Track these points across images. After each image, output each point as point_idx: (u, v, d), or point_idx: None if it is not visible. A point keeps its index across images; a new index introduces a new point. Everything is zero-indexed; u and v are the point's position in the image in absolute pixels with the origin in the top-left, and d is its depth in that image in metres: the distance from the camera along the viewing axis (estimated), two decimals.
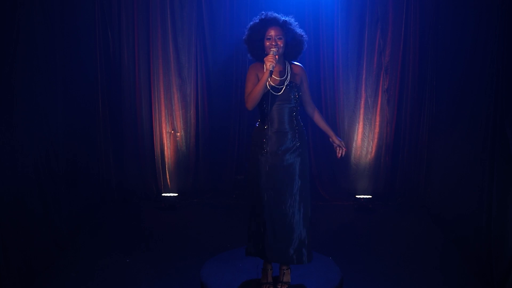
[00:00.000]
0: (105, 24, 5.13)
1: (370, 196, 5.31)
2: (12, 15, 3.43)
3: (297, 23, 3.30)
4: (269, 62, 3.09)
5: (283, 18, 3.24)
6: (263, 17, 3.25)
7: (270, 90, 3.20)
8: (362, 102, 5.24)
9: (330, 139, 3.52)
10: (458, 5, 4.50)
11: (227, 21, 5.14)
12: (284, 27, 3.21)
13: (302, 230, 3.32)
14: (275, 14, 3.25)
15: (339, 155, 3.51)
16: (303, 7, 5.10)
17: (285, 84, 3.25)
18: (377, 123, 5.25)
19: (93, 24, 5.08)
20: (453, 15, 4.66)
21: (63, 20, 4.28)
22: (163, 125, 5.29)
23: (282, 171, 3.28)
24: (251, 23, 3.28)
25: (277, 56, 3.15)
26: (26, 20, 3.61)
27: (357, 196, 5.31)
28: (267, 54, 3.21)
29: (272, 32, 3.19)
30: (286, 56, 3.32)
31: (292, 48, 3.28)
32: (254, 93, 3.16)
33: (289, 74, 3.29)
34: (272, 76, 3.21)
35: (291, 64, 3.35)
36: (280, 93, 3.23)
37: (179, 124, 5.30)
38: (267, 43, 3.20)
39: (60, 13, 4.23)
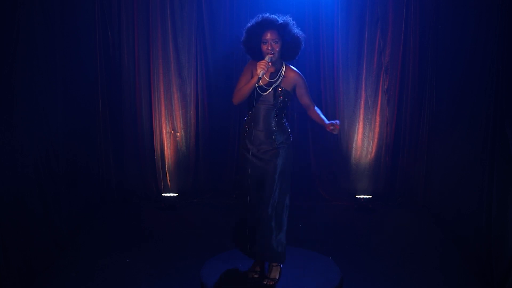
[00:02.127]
0: (105, 24, 5.13)
1: (370, 196, 5.31)
2: (12, 15, 3.43)
3: (294, 22, 3.28)
4: (260, 69, 3.14)
5: (280, 21, 3.21)
6: (259, 19, 3.23)
7: (257, 89, 3.26)
8: (362, 102, 5.24)
9: (326, 125, 3.29)
10: (458, 5, 4.50)
11: (227, 21, 5.14)
12: (280, 30, 3.20)
13: (277, 231, 3.39)
14: (272, 17, 3.23)
15: (336, 131, 3.25)
16: (303, 7, 5.10)
17: (272, 86, 3.29)
18: (377, 123, 5.25)
19: (93, 24, 5.08)
20: (453, 15, 4.66)
21: (63, 20, 4.28)
22: (163, 125, 5.29)
23: (261, 170, 3.33)
24: (249, 25, 3.28)
25: (270, 63, 3.19)
26: (26, 20, 3.61)
27: (357, 196, 5.31)
28: (261, 53, 3.24)
29: (268, 36, 3.19)
30: (284, 57, 3.31)
31: (289, 49, 3.28)
32: (241, 91, 3.26)
33: (280, 78, 3.31)
34: (265, 78, 3.27)
35: (287, 68, 3.35)
36: (265, 93, 3.28)
37: (179, 124, 5.30)
38: (264, 47, 3.21)
39: (60, 13, 4.23)
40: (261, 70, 3.13)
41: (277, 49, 3.20)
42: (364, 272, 3.84)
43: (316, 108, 3.45)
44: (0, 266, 3.21)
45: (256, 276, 3.51)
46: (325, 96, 5.27)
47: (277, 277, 3.49)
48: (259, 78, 3.18)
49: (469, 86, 4.20)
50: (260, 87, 3.27)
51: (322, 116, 3.39)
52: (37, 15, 3.82)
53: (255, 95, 3.27)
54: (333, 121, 3.30)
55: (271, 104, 3.30)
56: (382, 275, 3.80)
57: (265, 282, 3.45)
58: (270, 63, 3.19)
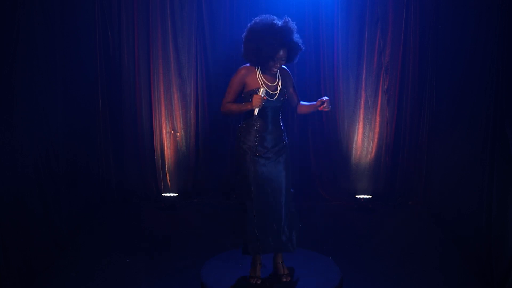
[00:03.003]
0: (105, 24, 5.13)
1: (370, 196, 5.30)
2: (12, 15, 3.43)
3: (298, 34, 3.25)
4: (256, 106, 3.15)
5: (295, 39, 3.16)
6: (279, 34, 3.10)
7: (267, 97, 3.25)
8: (362, 102, 5.24)
9: (316, 106, 3.35)
10: (458, 5, 4.49)
11: (227, 21, 5.13)
12: (291, 49, 3.20)
13: (290, 219, 3.46)
14: (292, 32, 3.15)
15: (327, 107, 3.31)
16: (303, 7, 5.10)
17: (278, 89, 3.32)
18: (377, 123, 5.25)
19: (93, 24, 5.08)
20: (453, 15, 4.66)
21: (63, 20, 4.28)
22: (163, 125, 5.29)
23: (273, 170, 3.35)
24: (263, 31, 3.11)
25: (265, 97, 3.19)
26: (26, 20, 3.61)
27: (357, 196, 5.31)
28: (265, 65, 3.23)
29: (281, 54, 3.16)
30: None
31: (288, 59, 3.28)
32: (231, 111, 3.34)
33: (279, 79, 3.35)
34: (267, 82, 3.28)
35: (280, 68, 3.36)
36: (275, 98, 3.30)
37: (179, 124, 5.30)
38: (272, 63, 3.20)
39: (60, 13, 4.23)
40: (257, 107, 3.16)
41: (282, 64, 3.26)
42: (364, 272, 3.84)
43: (301, 101, 3.56)
44: (0, 266, 3.20)
45: (259, 282, 3.47)
46: (325, 96, 5.26)
47: (288, 271, 3.55)
48: (253, 111, 3.19)
49: (469, 86, 4.19)
50: (268, 94, 3.26)
51: (308, 103, 3.50)
52: (37, 15, 3.82)
53: (265, 103, 3.24)
54: (321, 98, 3.34)
55: (278, 105, 3.34)
56: (382, 275, 3.80)
57: (284, 279, 3.49)
58: (265, 97, 3.19)
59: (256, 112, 3.19)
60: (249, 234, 3.40)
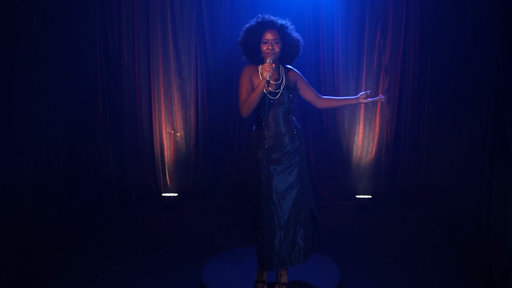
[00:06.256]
0: (105, 24, 5.13)
1: (370, 196, 5.30)
2: (12, 15, 3.43)
3: (293, 26, 3.28)
4: (266, 72, 3.08)
5: (280, 22, 3.21)
6: (259, 20, 3.21)
7: (267, 95, 3.20)
8: None
9: (357, 101, 3.38)
10: (458, 5, 4.50)
11: (227, 21, 5.14)
12: (281, 31, 3.19)
13: (303, 231, 3.34)
14: (272, 17, 3.22)
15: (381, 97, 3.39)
16: (303, 7, 5.10)
17: (281, 88, 3.25)
18: (377, 123, 5.25)
19: (93, 24, 5.08)
20: (453, 15, 4.67)
21: (63, 20, 4.28)
22: (163, 125, 5.29)
23: (282, 175, 3.26)
24: (247, 25, 3.25)
25: (273, 65, 3.14)
26: (26, 20, 3.61)
27: (357, 196, 5.31)
28: (263, 57, 3.21)
29: (268, 36, 3.16)
30: (281, 60, 3.31)
31: (288, 52, 3.26)
32: (250, 101, 3.15)
33: (283, 78, 3.29)
34: (269, 80, 3.17)
35: (284, 67, 3.35)
36: (276, 97, 3.23)
37: (179, 124, 5.31)
38: (264, 47, 3.17)
39: (60, 13, 4.24)
40: (268, 73, 3.08)
41: (277, 50, 3.17)
42: (364, 272, 3.84)
43: (327, 97, 3.53)
44: (0, 266, 3.21)
45: (265, 286, 3.41)
46: (325, 96, 5.26)
47: (287, 281, 3.44)
48: (268, 81, 3.12)
49: (469, 85, 4.20)
50: (269, 92, 3.21)
51: (342, 97, 3.50)
52: (37, 15, 3.82)
53: (267, 101, 3.20)
54: (363, 92, 3.35)
55: (285, 105, 3.26)
56: (382, 275, 3.80)
57: (277, 287, 3.40)
58: (273, 65, 3.14)
59: (267, 77, 3.08)
60: (264, 245, 3.28)
